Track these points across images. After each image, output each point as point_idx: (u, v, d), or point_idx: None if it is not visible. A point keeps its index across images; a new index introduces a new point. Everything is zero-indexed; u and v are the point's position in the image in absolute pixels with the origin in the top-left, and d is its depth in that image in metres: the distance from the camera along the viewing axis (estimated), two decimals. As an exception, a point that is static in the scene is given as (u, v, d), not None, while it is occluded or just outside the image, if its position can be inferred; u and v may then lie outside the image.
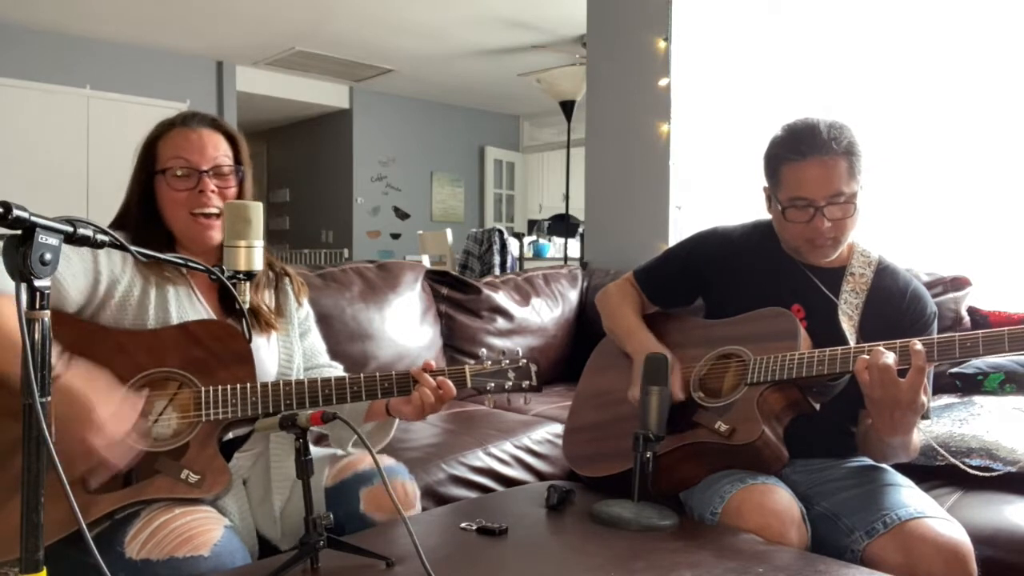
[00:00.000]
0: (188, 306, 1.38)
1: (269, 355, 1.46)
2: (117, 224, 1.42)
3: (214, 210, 1.38)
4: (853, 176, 1.48)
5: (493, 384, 1.42)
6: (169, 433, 1.28)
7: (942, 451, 1.75)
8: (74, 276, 1.28)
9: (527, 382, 1.44)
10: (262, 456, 1.48)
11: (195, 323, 1.34)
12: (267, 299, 1.51)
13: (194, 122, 1.43)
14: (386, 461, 1.46)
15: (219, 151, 1.41)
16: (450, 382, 1.38)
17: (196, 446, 1.27)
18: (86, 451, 1.13)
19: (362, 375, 1.36)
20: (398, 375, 1.37)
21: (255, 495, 1.44)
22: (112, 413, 1.15)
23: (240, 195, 1.43)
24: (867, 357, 1.34)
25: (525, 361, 1.46)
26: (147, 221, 1.40)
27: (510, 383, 1.43)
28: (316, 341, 1.63)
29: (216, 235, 1.39)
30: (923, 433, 1.74)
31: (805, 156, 1.49)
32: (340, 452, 1.50)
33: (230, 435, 1.41)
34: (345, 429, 1.47)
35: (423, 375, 1.36)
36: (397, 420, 1.50)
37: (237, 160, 1.44)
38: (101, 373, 1.18)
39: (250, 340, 1.31)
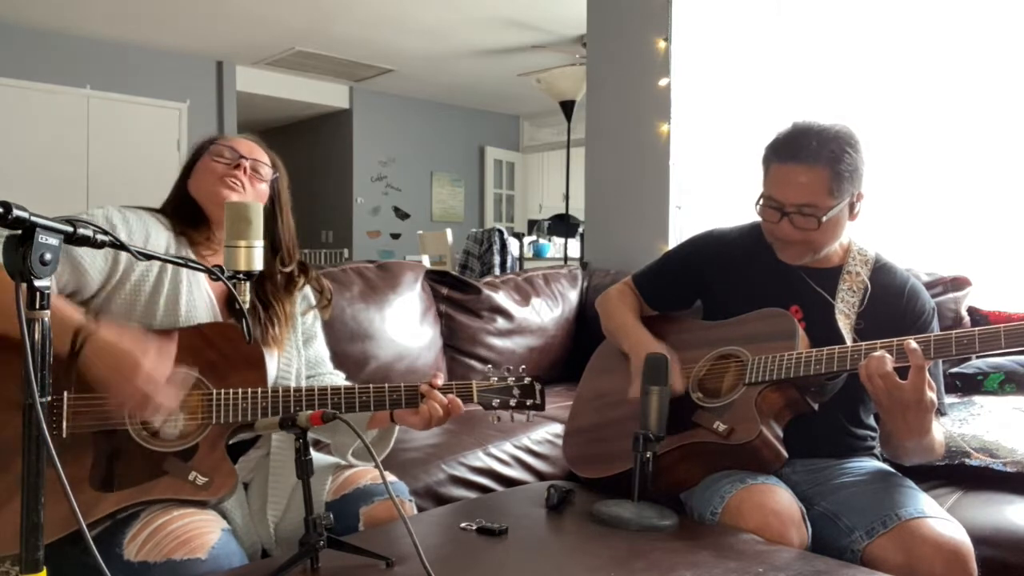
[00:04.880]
0: (196, 299, 1.39)
1: (268, 359, 1.46)
2: (166, 205, 1.51)
3: (239, 183, 1.44)
4: (830, 191, 1.46)
5: (498, 400, 1.46)
6: (176, 433, 1.28)
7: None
8: (93, 258, 1.30)
9: (530, 400, 1.48)
10: (263, 461, 1.48)
11: (208, 325, 1.35)
12: (287, 312, 1.52)
13: (250, 136, 1.56)
14: (388, 478, 1.47)
15: (262, 156, 1.52)
16: (459, 400, 1.41)
17: (205, 448, 1.27)
18: (140, 399, 1.17)
19: (371, 386, 1.37)
20: (407, 388, 1.39)
21: (253, 503, 1.44)
22: (155, 359, 1.18)
23: (273, 199, 1.52)
24: (866, 365, 1.34)
25: (530, 380, 1.49)
26: (182, 198, 1.48)
27: (515, 400, 1.46)
28: (321, 349, 1.63)
29: (231, 196, 1.43)
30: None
31: (785, 160, 1.49)
32: (342, 462, 1.50)
33: (234, 439, 1.41)
34: (348, 435, 1.47)
35: (434, 392, 1.39)
36: (397, 427, 1.51)
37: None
38: (130, 327, 1.22)
39: (249, 341, 1.31)
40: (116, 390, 1.16)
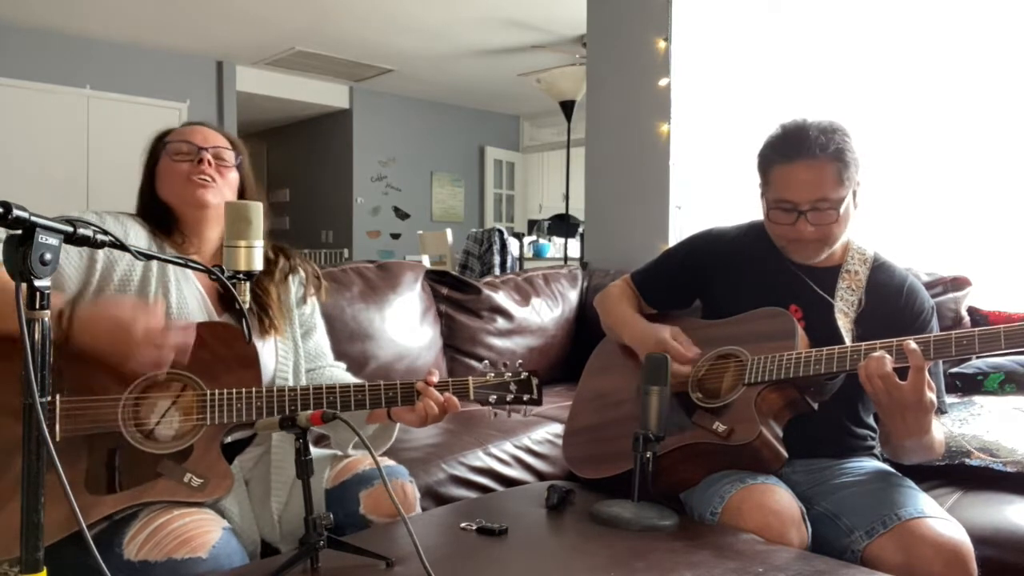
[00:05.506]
0: (187, 296, 1.39)
1: (267, 352, 1.46)
2: (138, 212, 1.49)
3: (209, 178, 1.43)
4: (840, 182, 1.48)
5: (495, 396, 1.44)
6: (171, 435, 1.28)
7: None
8: (68, 258, 1.29)
9: (528, 395, 1.45)
10: (264, 457, 1.48)
11: (202, 325, 1.34)
12: (274, 296, 1.51)
13: (197, 122, 1.54)
14: (386, 462, 1.47)
15: (219, 140, 1.49)
16: (455, 399, 1.39)
17: (200, 449, 1.27)
18: (152, 350, 1.17)
19: (367, 384, 1.37)
20: (403, 386, 1.37)
21: (256, 496, 1.44)
22: (142, 311, 1.18)
23: (242, 183, 1.51)
24: (865, 365, 1.33)
25: (527, 374, 1.46)
26: (152, 203, 1.47)
27: (512, 396, 1.45)
28: (321, 341, 1.62)
29: (211, 197, 1.43)
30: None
31: (792, 159, 1.49)
32: (340, 453, 1.50)
33: (229, 438, 1.41)
34: (346, 431, 1.47)
35: (429, 390, 1.37)
36: (398, 424, 1.50)
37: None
38: (103, 297, 1.23)
39: (250, 341, 1.31)
40: (122, 351, 1.16)
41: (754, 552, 1.22)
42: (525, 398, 1.45)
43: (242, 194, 1.50)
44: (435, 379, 1.39)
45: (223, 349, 1.31)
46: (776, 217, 1.53)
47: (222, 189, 1.45)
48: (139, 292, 1.35)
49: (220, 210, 1.45)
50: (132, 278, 1.35)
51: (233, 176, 1.48)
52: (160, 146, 1.48)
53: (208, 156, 1.44)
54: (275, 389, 1.33)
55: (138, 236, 1.39)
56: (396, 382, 1.38)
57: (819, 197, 1.47)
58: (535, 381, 1.46)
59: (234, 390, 1.29)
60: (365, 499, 1.38)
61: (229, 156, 1.48)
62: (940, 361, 1.51)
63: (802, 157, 1.48)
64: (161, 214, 1.45)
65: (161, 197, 1.46)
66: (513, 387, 1.45)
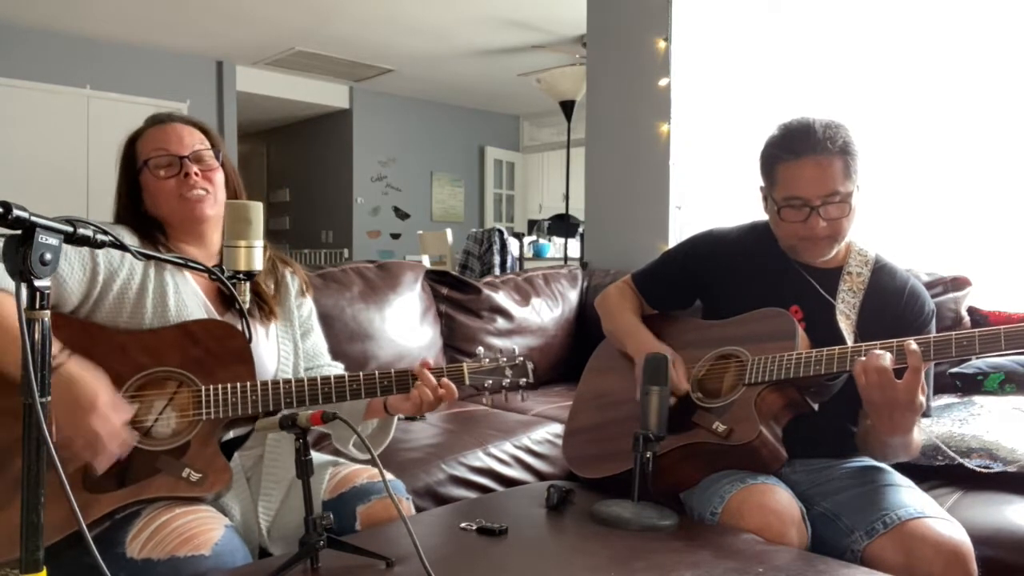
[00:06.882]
0: (186, 298, 1.38)
1: (268, 351, 1.46)
2: (117, 220, 1.45)
3: (202, 191, 1.41)
4: (849, 176, 1.48)
5: (491, 381, 1.44)
6: (169, 432, 1.28)
7: (947, 450, 1.75)
8: (71, 270, 1.28)
9: (523, 379, 1.46)
10: (263, 458, 1.48)
11: (194, 322, 1.34)
12: (267, 286, 1.51)
13: (166, 120, 1.49)
14: (386, 476, 1.47)
15: (195, 139, 1.45)
16: (452, 384, 1.39)
17: (197, 445, 1.27)
18: (91, 438, 1.15)
19: (361, 373, 1.37)
20: (397, 373, 1.38)
21: (256, 495, 1.44)
22: (113, 402, 1.18)
23: (226, 177, 1.47)
24: (863, 359, 1.34)
25: (522, 359, 1.48)
26: (137, 216, 1.44)
27: (507, 380, 1.45)
28: (318, 341, 1.63)
29: (208, 210, 1.41)
30: (925, 432, 1.74)
31: (800, 156, 1.49)
32: (339, 461, 1.49)
33: (230, 434, 1.41)
34: (346, 428, 1.47)
35: (425, 373, 1.37)
36: (396, 418, 1.50)
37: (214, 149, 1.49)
38: (98, 368, 1.20)
39: (250, 339, 1.31)
40: (67, 424, 1.14)
41: (754, 552, 1.22)
42: (521, 382, 1.46)
43: (227, 185, 1.47)
44: (430, 365, 1.39)
45: (216, 345, 1.31)
46: (787, 215, 1.52)
47: (216, 195, 1.43)
48: (137, 298, 1.34)
49: (218, 219, 1.45)
50: (131, 285, 1.34)
51: (220, 177, 1.45)
52: (136, 156, 1.44)
53: (192, 167, 1.41)
54: (270, 382, 1.33)
55: (132, 243, 1.37)
56: (391, 371, 1.38)
57: (830, 191, 1.47)
58: (530, 365, 1.48)
59: (228, 385, 1.29)
60: (362, 515, 1.37)
61: (209, 156, 1.45)
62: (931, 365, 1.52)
63: (809, 153, 1.48)
64: (151, 224, 1.43)
65: (155, 215, 1.43)
66: (508, 372, 1.46)
